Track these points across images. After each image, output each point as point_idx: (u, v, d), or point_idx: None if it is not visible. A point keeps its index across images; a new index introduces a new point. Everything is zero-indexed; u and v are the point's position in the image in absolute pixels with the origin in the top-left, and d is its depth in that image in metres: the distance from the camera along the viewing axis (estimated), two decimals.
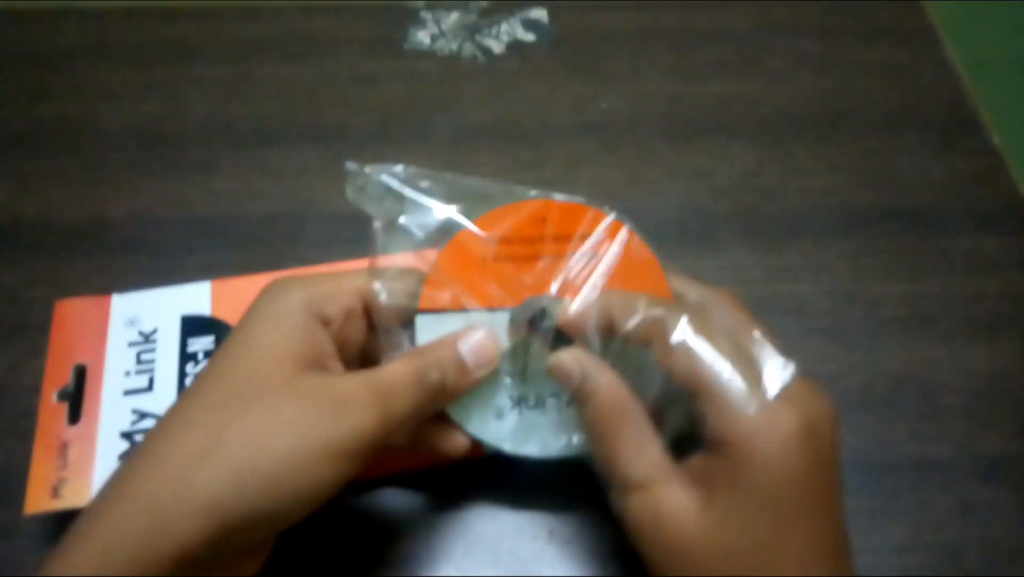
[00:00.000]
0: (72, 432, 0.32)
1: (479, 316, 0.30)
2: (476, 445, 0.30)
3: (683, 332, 0.26)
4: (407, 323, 0.30)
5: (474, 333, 0.29)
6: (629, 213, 0.31)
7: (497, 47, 0.51)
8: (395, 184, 0.30)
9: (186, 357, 0.34)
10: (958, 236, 0.43)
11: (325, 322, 0.28)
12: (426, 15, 0.52)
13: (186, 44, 0.50)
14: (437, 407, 0.29)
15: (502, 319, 0.30)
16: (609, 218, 0.30)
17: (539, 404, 0.30)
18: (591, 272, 0.30)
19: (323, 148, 0.46)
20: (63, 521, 0.26)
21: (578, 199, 0.31)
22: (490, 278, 0.30)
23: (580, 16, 0.52)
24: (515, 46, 0.51)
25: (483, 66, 0.50)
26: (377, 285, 0.29)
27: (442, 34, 0.52)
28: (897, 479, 0.35)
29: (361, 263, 0.31)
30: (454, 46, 0.51)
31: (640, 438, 0.27)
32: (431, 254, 0.30)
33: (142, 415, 0.32)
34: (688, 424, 0.26)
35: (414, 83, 0.49)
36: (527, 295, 0.30)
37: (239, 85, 0.49)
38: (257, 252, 0.42)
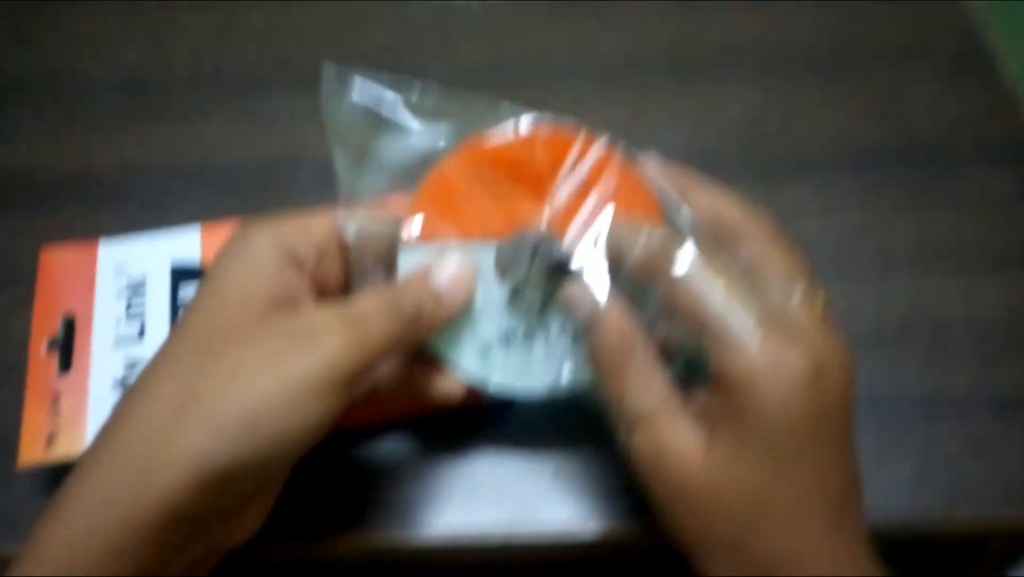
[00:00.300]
0: (63, 382, 0.31)
1: (464, 251, 0.28)
2: (473, 394, 0.29)
3: (686, 264, 0.25)
4: (386, 261, 0.29)
5: (446, 263, 0.28)
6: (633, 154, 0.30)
7: None
8: (378, 90, 0.29)
9: (177, 304, 0.33)
10: (969, 173, 0.41)
11: (298, 262, 0.27)
12: None
13: None
14: (417, 339, 0.28)
15: (488, 253, 0.29)
16: (601, 142, 0.29)
17: (528, 338, 0.29)
18: (581, 202, 0.28)
19: (312, 94, 0.44)
20: (59, 473, 0.25)
21: (568, 124, 0.29)
22: (475, 210, 0.29)
23: None
24: None
25: (476, 10, 0.48)
26: (348, 221, 0.28)
27: None
28: (908, 415, 0.34)
29: None
30: None
31: (646, 373, 0.26)
32: (401, 199, 0.29)
33: (134, 363, 0.31)
34: (699, 357, 0.25)
35: (406, 26, 0.47)
36: (515, 228, 0.29)
37: (226, 30, 0.47)
38: (248, 201, 0.40)
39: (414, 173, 0.29)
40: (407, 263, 0.28)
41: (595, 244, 0.27)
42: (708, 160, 0.41)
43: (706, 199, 0.28)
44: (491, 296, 0.29)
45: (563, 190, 0.28)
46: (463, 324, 0.29)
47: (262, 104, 0.44)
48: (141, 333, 0.32)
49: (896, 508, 0.32)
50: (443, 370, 0.29)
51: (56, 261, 0.34)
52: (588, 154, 0.29)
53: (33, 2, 0.48)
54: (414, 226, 0.29)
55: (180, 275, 0.33)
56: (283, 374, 0.24)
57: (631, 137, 0.43)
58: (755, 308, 0.24)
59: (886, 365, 0.35)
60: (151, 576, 0.23)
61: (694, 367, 0.26)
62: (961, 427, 0.34)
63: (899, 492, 0.32)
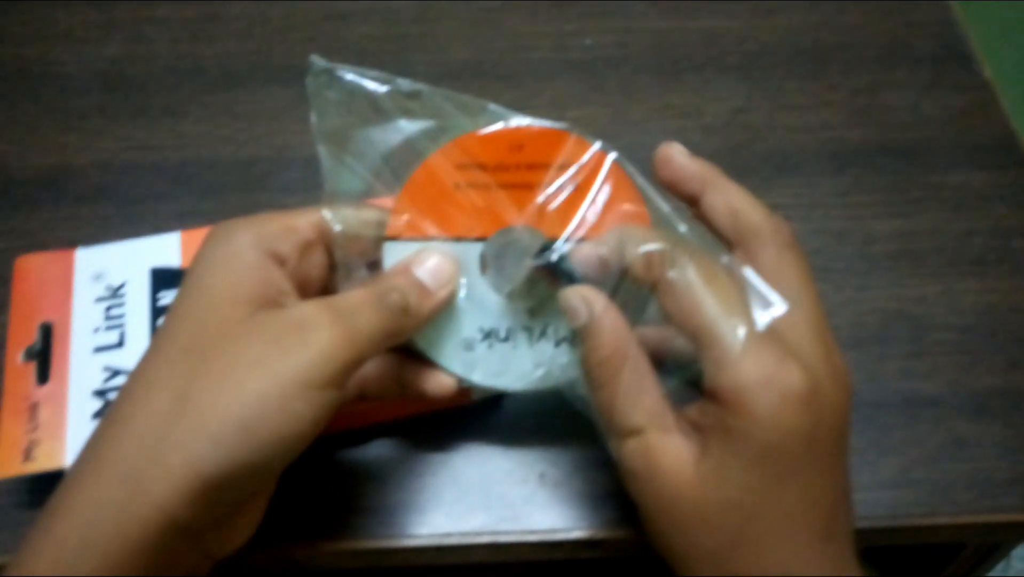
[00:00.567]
0: (41, 392, 0.31)
1: (449, 246, 0.28)
2: (463, 391, 0.29)
3: (682, 272, 0.25)
4: (371, 259, 0.28)
5: (429, 256, 0.28)
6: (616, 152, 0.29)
7: None
8: (366, 86, 0.28)
9: (157, 311, 0.32)
10: (949, 172, 0.42)
11: (280, 260, 0.27)
12: None
13: None
14: (404, 332, 0.27)
15: (473, 250, 0.29)
16: (594, 148, 0.29)
17: (509, 338, 0.29)
18: (572, 204, 0.28)
19: (296, 90, 0.44)
20: (40, 483, 0.25)
21: (560, 125, 0.29)
22: (461, 206, 0.28)
23: None
24: None
25: (462, 2, 0.48)
26: (334, 217, 0.28)
27: None
28: (888, 416, 0.34)
29: None
30: None
31: (638, 385, 0.25)
32: (385, 202, 0.29)
33: (114, 372, 0.31)
34: (696, 372, 0.25)
35: (390, 21, 0.47)
36: (500, 226, 0.29)
37: (206, 24, 0.46)
38: (230, 199, 0.40)
39: (400, 170, 0.29)
40: (393, 258, 0.28)
41: (595, 247, 0.27)
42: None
43: (728, 197, 0.28)
44: (475, 293, 0.29)
45: (550, 192, 0.28)
46: (446, 320, 0.28)
47: (244, 100, 0.43)
48: (121, 341, 0.32)
49: (876, 509, 0.32)
50: (432, 366, 0.29)
51: (32, 269, 0.33)
52: (578, 157, 0.28)
53: None
54: (399, 222, 0.28)
55: (160, 282, 0.33)
56: (276, 373, 0.24)
57: (614, 135, 0.43)
58: (750, 320, 0.24)
59: (866, 366, 0.36)
60: None
61: (692, 382, 0.26)
62: (940, 428, 0.34)
63: (879, 493, 0.33)
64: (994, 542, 0.38)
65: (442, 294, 0.28)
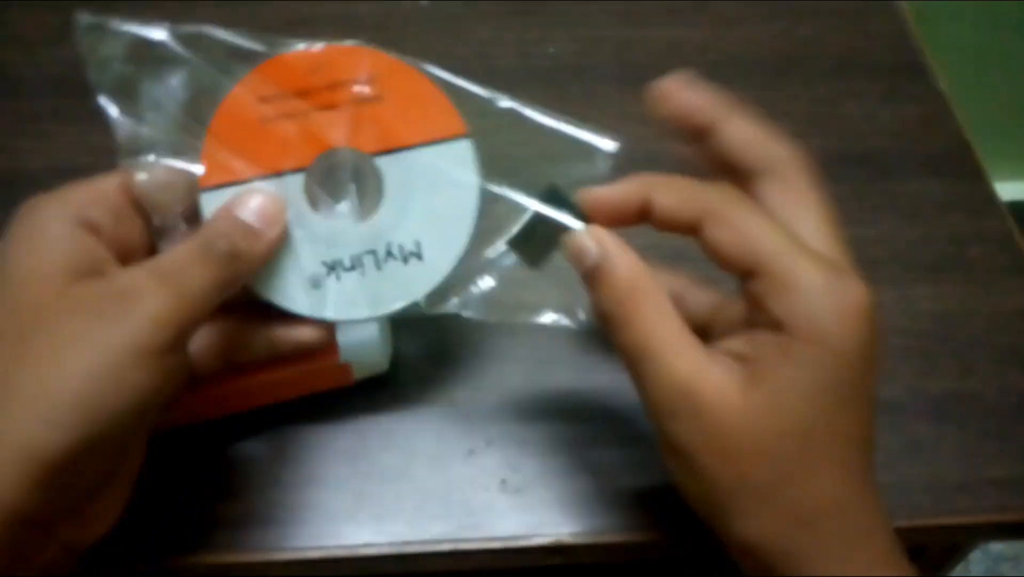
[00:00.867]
0: None
1: (269, 183, 0.28)
2: (342, 368, 0.29)
3: (735, 205, 0.25)
4: (189, 212, 0.27)
5: (251, 196, 0.27)
6: None
7: None
8: (145, 35, 0.27)
9: None
10: (905, 180, 0.43)
11: (93, 229, 0.26)
12: None
13: None
14: (238, 278, 0.26)
15: (296, 182, 0.28)
16: (392, 57, 0.28)
17: (355, 266, 0.28)
18: (379, 117, 0.28)
19: None
20: None
21: (349, 42, 0.28)
22: (273, 140, 0.28)
23: None
24: None
25: (425, 9, 0.48)
26: (137, 173, 0.27)
27: None
28: None
29: None
30: None
31: (664, 319, 0.25)
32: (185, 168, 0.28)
33: None
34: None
35: (352, 26, 0.47)
36: (317, 152, 0.28)
37: None
38: None
39: (205, 116, 0.28)
40: (211, 208, 0.27)
41: (611, 191, 0.28)
42: (653, 166, 0.42)
43: (747, 130, 0.27)
44: (308, 227, 0.28)
45: (357, 105, 0.28)
46: (285, 261, 0.28)
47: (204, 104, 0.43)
48: None
49: None
50: (290, 318, 0.28)
51: None
52: (376, 67, 0.28)
53: None
54: (212, 168, 0.27)
55: None
56: (104, 346, 0.23)
57: None
58: (809, 249, 0.24)
59: None
60: None
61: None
62: (898, 431, 0.35)
63: None
64: (954, 544, 0.38)
65: (272, 233, 0.27)
